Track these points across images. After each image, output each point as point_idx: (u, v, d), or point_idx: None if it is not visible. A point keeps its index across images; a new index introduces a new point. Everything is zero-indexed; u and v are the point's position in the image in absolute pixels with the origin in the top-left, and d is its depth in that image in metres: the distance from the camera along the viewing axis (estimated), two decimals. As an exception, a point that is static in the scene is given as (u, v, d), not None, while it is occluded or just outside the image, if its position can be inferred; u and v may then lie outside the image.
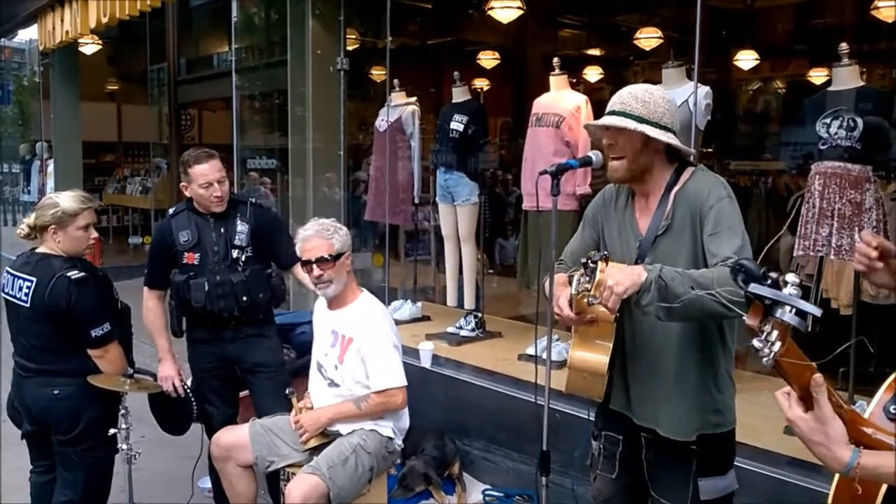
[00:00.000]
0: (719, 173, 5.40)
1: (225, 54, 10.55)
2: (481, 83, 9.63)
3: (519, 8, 6.37)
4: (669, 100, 2.17)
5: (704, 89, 3.79)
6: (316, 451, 2.88)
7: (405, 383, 2.89)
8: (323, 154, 5.99)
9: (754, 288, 1.23)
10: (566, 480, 3.47)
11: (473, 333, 5.04)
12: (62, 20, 9.03)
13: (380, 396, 2.83)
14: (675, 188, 2.12)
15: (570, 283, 2.09)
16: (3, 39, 13.52)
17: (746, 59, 8.40)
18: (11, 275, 2.85)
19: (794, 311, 1.20)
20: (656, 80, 4.06)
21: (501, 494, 3.85)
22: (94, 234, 2.94)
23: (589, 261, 2.04)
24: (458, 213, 5.06)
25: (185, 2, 10.95)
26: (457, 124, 4.94)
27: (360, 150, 7.74)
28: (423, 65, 9.71)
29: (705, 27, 3.73)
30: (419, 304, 5.77)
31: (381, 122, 5.54)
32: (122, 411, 2.84)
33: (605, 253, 2.07)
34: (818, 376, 1.24)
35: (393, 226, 5.99)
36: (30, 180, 12.04)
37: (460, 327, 5.08)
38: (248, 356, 3.34)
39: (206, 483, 3.71)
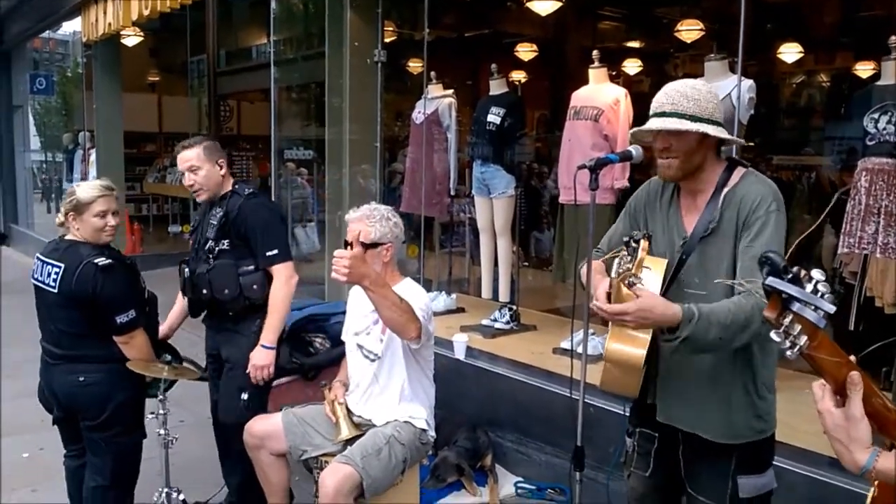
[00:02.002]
0: (761, 168, 5.31)
1: (264, 46, 10.63)
2: (519, 75, 9.58)
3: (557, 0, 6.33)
4: (714, 92, 2.12)
5: (748, 83, 3.73)
6: (349, 442, 2.88)
7: (426, 327, 2.75)
8: (359, 145, 6.01)
9: (771, 281, 1.21)
10: (600, 476, 3.44)
11: (508, 326, 5.03)
12: (105, 12, 9.18)
13: (415, 316, 2.69)
14: (726, 189, 2.08)
15: (609, 268, 2.07)
16: (47, 31, 13.79)
17: (790, 52, 8.23)
18: (41, 261, 2.91)
19: (814, 309, 1.17)
20: (698, 73, 4.01)
21: (534, 487, 3.83)
22: (112, 222, 2.95)
23: (631, 239, 2.01)
24: (493, 205, 5.05)
25: (224, -6, 11.07)
26: (493, 117, 4.92)
27: (397, 142, 7.75)
28: (461, 57, 9.68)
29: (749, 19, 3.65)
30: (454, 295, 5.78)
31: (418, 115, 5.54)
32: (161, 397, 2.88)
33: (648, 232, 2.04)
34: (855, 374, 1.21)
35: (429, 218, 5.98)
36: (73, 169, 12.26)
37: (495, 320, 5.07)
38: (222, 349, 3.28)
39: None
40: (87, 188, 2.94)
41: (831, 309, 1.17)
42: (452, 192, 5.55)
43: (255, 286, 3.16)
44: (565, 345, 4.28)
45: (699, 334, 1.87)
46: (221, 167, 3.22)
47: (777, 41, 8.21)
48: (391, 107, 7.47)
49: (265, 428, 3.01)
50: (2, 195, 14.43)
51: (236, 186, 3.25)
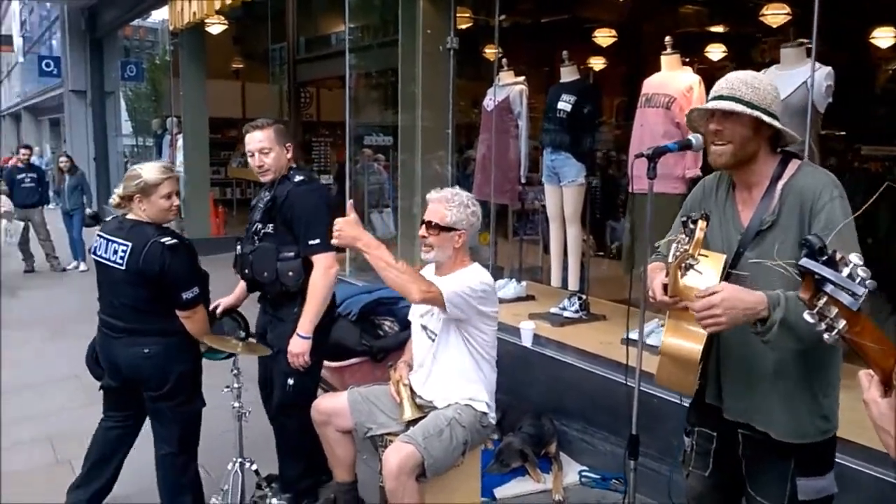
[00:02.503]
0: (848, 158, 5.09)
1: (341, 34, 10.81)
2: (597, 62, 9.44)
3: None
4: (775, 86, 2.10)
5: (825, 70, 3.61)
6: (412, 423, 2.96)
7: (446, 299, 2.78)
8: (432, 132, 6.09)
9: (805, 262, 1.24)
10: (663, 467, 3.43)
11: (577, 315, 5.02)
12: (190, 1, 9.50)
13: (421, 278, 2.79)
14: (781, 182, 2.04)
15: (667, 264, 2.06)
16: (137, 20, 14.33)
17: (884, 37, 7.85)
18: (105, 238, 3.03)
19: (850, 294, 1.19)
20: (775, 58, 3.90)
21: (598, 476, 3.84)
22: (177, 202, 3.09)
23: (689, 220, 2.00)
24: (563, 193, 5.03)
25: (305, -18, 11.30)
26: (564, 104, 4.90)
27: (474, 129, 7.78)
28: (538, 43, 9.61)
29: (830, 3, 3.53)
30: (524, 283, 5.80)
31: (489, 102, 5.56)
32: (235, 371, 3.01)
33: (706, 212, 2.03)
34: None
35: (504, 205, 6.00)
36: (161, 154, 12.76)
37: (564, 308, 5.07)
38: (267, 331, 3.34)
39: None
40: (153, 170, 3.05)
41: (861, 291, 1.17)
42: (523, 180, 5.55)
43: (290, 273, 3.19)
44: (634, 335, 4.25)
45: (792, 317, 1.81)
46: (289, 151, 3.28)
47: (871, 26, 7.86)
48: (468, 93, 7.50)
49: (332, 405, 3.11)
50: (96, 178, 15.09)
51: (290, 172, 3.28)
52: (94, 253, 3.08)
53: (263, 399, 3.51)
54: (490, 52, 7.12)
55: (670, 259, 2.02)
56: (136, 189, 3.00)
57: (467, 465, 3.07)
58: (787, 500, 2.05)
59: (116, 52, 15.44)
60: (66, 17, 15.52)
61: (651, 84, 4.42)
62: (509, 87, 5.46)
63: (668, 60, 4.38)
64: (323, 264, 3.16)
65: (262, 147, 3.21)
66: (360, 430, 3.08)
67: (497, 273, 6.19)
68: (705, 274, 1.98)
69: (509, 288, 5.62)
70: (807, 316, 1.21)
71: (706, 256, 2.01)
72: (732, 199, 2.15)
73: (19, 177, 9.83)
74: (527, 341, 4.48)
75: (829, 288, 1.18)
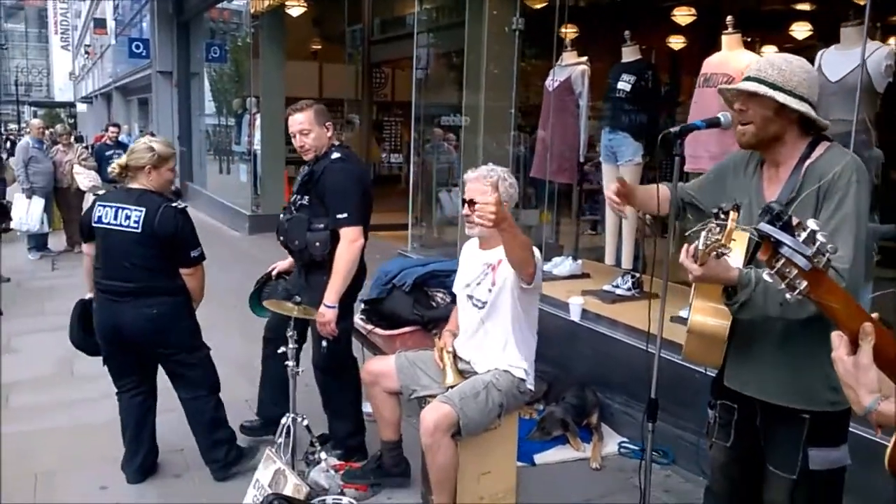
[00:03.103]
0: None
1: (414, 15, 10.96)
2: (677, 40, 9.29)
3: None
4: (809, 70, 2.12)
5: (886, 49, 3.57)
6: (454, 388, 3.11)
7: (539, 270, 2.96)
8: (496, 112, 6.19)
9: (762, 226, 1.32)
10: (701, 440, 3.49)
11: (630, 293, 5.08)
12: (271, -15, 9.83)
13: (531, 247, 2.91)
14: (808, 161, 2.09)
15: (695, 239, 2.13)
16: (223, 2, 14.83)
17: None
18: (113, 207, 3.30)
19: (803, 257, 1.26)
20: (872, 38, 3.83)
21: (637, 448, 3.92)
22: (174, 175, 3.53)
23: (720, 210, 2.07)
24: (620, 172, 5.07)
25: (380, -35, 11.50)
26: (623, 84, 4.95)
27: (537, 109, 7.83)
28: (611, 21, 9.53)
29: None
30: (580, 261, 5.88)
31: (551, 82, 5.63)
32: (291, 332, 3.23)
33: (737, 202, 2.09)
34: (868, 325, 1.30)
35: (568, 185, 6.07)
36: (241, 132, 13.24)
37: (616, 286, 5.13)
38: (300, 295, 3.40)
39: (365, 408, 4.10)
40: (163, 146, 3.42)
41: (811, 253, 1.25)
42: (582, 159, 5.61)
43: (317, 243, 3.41)
44: (683, 313, 4.29)
45: (757, 301, 1.93)
46: (328, 129, 3.50)
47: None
48: (538, 73, 7.55)
49: (380, 367, 3.31)
50: (179, 155, 15.74)
51: (331, 149, 3.49)
52: (100, 221, 3.33)
53: (270, 352, 3.77)
54: (566, 30, 7.16)
55: (701, 246, 2.07)
56: (149, 161, 3.34)
57: (504, 429, 3.21)
58: (798, 469, 2.12)
59: (202, 34, 16.00)
60: (156, 1, 16.17)
61: (711, 63, 4.42)
62: (571, 68, 5.52)
63: (729, 40, 4.37)
64: (348, 237, 3.37)
65: (303, 128, 3.45)
66: (406, 391, 3.26)
67: (556, 251, 6.28)
68: (734, 246, 2.05)
69: (564, 265, 5.71)
70: (765, 276, 1.30)
71: (737, 235, 2.09)
72: (759, 174, 2.21)
73: (108, 153, 10.37)
74: (575, 316, 4.58)
75: (784, 250, 1.27)
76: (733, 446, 2.32)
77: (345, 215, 3.37)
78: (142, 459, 3.58)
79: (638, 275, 5.16)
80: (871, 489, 2.95)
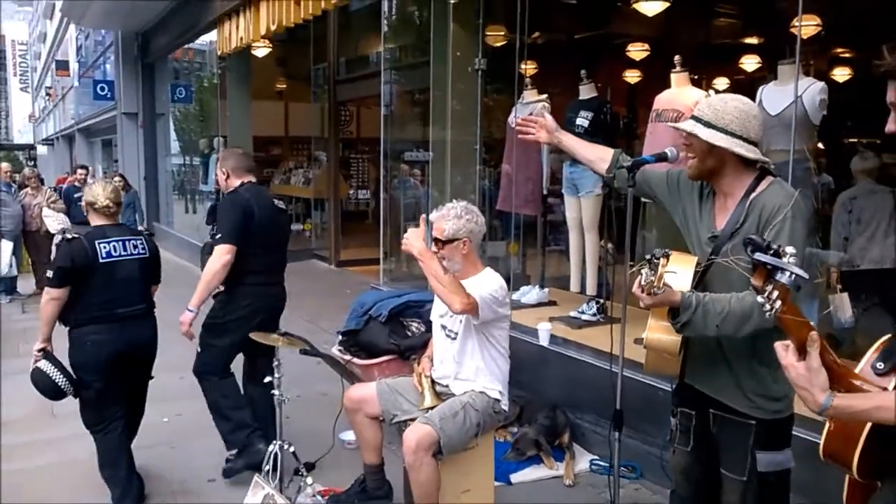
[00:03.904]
0: (873, 166, 5.20)
1: (380, 55, 11.24)
2: (633, 75, 9.66)
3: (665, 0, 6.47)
4: (745, 110, 2.31)
5: (820, 85, 3.89)
6: (432, 410, 3.29)
7: (479, 306, 3.11)
8: (461, 147, 6.45)
9: (758, 256, 1.56)
10: (666, 454, 3.71)
11: (595, 318, 5.30)
12: (237, 27, 10.05)
13: (462, 290, 3.10)
14: (752, 195, 2.31)
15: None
16: (188, 44, 15.00)
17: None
18: (120, 241, 3.67)
19: (790, 276, 1.52)
20: (820, 68, 4.14)
21: (607, 465, 4.12)
22: None
23: (653, 257, 2.30)
24: (581, 203, 5.35)
25: (344, 6, 11.76)
26: (582, 120, 5.22)
27: (501, 143, 8.11)
28: (572, 58, 9.89)
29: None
30: (546, 290, 6.11)
31: (512, 119, 5.89)
32: (276, 363, 3.39)
33: (667, 251, 2.31)
34: (814, 334, 1.54)
35: (534, 217, 6.32)
36: (208, 172, 13.34)
37: (582, 312, 5.36)
38: None
39: (346, 436, 4.26)
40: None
41: (806, 275, 1.53)
42: (545, 192, 5.87)
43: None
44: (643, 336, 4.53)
45: (697, 322, 2.16)
46: (225, 173, 4.10)
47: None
48: (500, 109, 7.84)
49: (362, 394, 3.48)
50: (146, 197, 15.77)
51: (239, 187, 4.06)
52: (109, 256, 3.60)
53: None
54: (525, 67, 7.47)
55: (643, 283, 2.26)
56: (121, 198, 3.93)
57: (481, 448, 3.40)
58: (747, 471, 2.34)
59: (167, 75, 16.14)
60: (120, 43, 16.29)
61: (661, 100, 4.72)
62: (532, 105, 5.78)
63: (677, 78, 4.68)
64: (218, 252, 3.86)
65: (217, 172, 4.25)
66: (387, 416, 3.43)
67: (524, 280, 6.51)
68: (679, 274, 2.29)
69: (532, 294, 5.94)
70: (759, 298, 1.54)
71: (674, 273, 2.32)
72: (712, 202, 2.45)
73: (76, 195, 10.42)
74: (544, 341, 4.80)
75: (777, 275, 1.51)
76: (693, 450, 2.53)
77: (220, 234, 3.91)
78: (138, 492, 3.72)
79: (602, 301, 5.39)
80: (817, 488, 3.21)
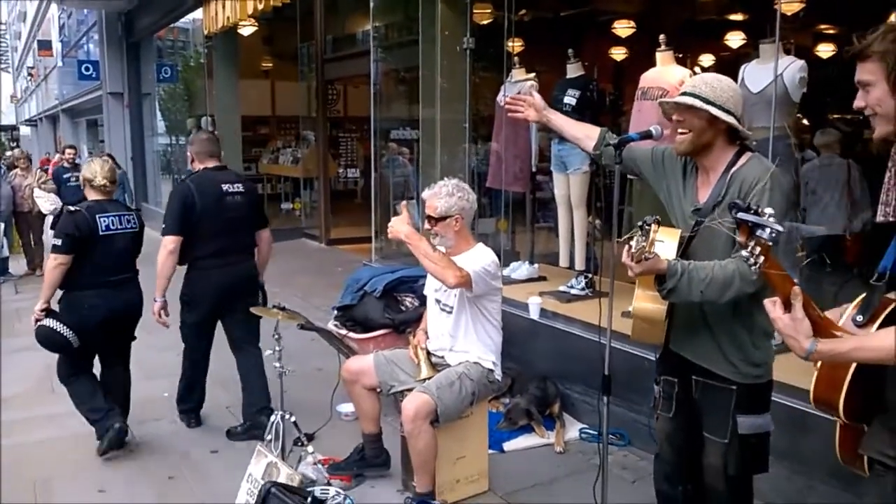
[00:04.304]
0: (833, 140, 5.42)
1: (367, 33, 11.26)
2: (619, 52, 9.74)
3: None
4: (735, 89, 2.47)
5: (799, 63, 4.01)
6: (429, 380, 3.42)
7: (473, 281, 3.25)
8: (450, 125, 6.54)
9: (741, 215, 1.71)
10: (653, 421, 3.86)
11: (583, 292, 5.45)
12: (223, 7, 10.05)
13: (454, 265, 3.24)
14: (733, 169, 2.44)
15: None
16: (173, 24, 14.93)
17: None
18: (115, 216, 4.07)
19: (770, 232, 1.68)
20: (802, 45, 4.25)
21: (596, 433, 4.28)
22: None
23: (644, 223, 2.43)
24: (570, 181, 5.46)
25: (331, -17, 11.77)
26: (569, 98, 5.33)
27: (490, 121, 8.19)
28: (558, 36, 9.94)
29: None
30: (536, 265, 6.24)
31: (501, 98, 5.99)
32: (276, 336, 3.51)
33: (657, 217, 2.45)
34: (796, 288, 1.70)
35: (523, 193, 6.43)
36: (196, 151, 13.30)
37: (571, 286, 5.50)
38: None
39: (343, 408, 4.39)
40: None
41: (781, 229, 1.68)
42: (534, 169, 5.98)
43: None
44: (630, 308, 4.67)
45: (682, 288, 2.29)
46: (191, 157, 4.47)
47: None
48: (488, 87, 7.92)
49: (359, 366, 3.60)
50: (133, 176, 15.75)
51: (196, 171, 4.39)
52: (108, 229, 4.01)
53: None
54: (512, 45, 7.53)
55: (633, 250, 2.39)
56: (116, 176, 4.32)
57: (476, 417, 3.55)
58: (729, 433, 2.48)
59: (152, 54, 16.05)
60: (104, 22, 16.17)
61: (647, 78, 4.83)
62: (520, 84, 5.87)
63: (662, 57, 4.79)
64: (163, 243, 4.16)
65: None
66: (384, 387, 3.56)
67: (514, 257, 6.64)
68: (666, 243, 2.42)
69: (522, 269, 6.07)
70: (742, 253, 1.69)
71: (662, 242, 2.45)
72: (694, 177, 2.58)
73: (66, 176, 10.45)
74: (534, 314, 4.93)
75: (758, 232, 1.67)
76: (675, 416, 2.67)
77: (164, 225, 4.21)
78: (120, 411, 4.19)
79: (590, 275, 5.53)
80: (798, 453, 3.38)
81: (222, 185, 4.29)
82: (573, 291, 5.44)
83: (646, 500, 2.94)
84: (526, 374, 4.65)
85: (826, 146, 5.54)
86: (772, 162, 3.83)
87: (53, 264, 3.92)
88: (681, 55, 6.89)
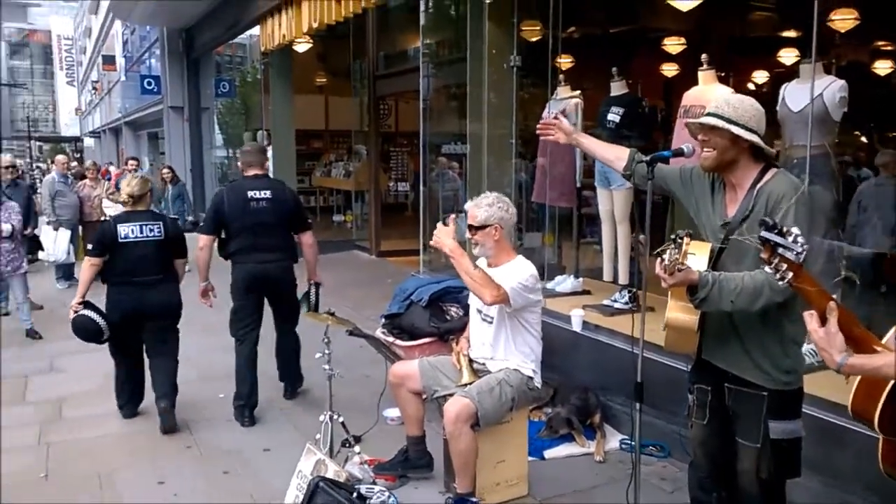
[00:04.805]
0: (889, 160, 5.46)
1: (418, 49, 11.51)
2: (670, 68, 9.77)
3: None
4: (758, 109, 2.57)
5: (840, 83, 4.06)
6: (470, 385, 3.57)
7: (510, 297, 3.41)
8: (497, 141, 6.68)
9: (764, 234, 1.84)
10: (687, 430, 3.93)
11: (627, 306, 5.52)
12: (280, 25, 10.40)
13: (492, 283, 3.42)
14: (759, 185, 2.55)
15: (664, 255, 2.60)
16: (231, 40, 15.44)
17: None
18: (138, 225, 4.64)
19: (794, 252, 1.80)
20: (858, 61, 4.31)
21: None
22: None
23: (677, 237, 2.55)
24: (613, 196, 5.56)
25: (383, 4, 12.04)
26: (613, 116, 5.44)
27: (536, 137, 8.30)
28: (606, 53, 10.02)
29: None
30: (580, 279, 6.34)
31: (546, 115, 6.11)
32: (326, 340, 3.70)
33: (689, 231, 2.56)
34: (832, 304, 1.81)
35: (570, 209, 6.55)
36: (251, 165, 13.69)
37: (615, 300, 5.58)
38: None
39: (389, 413, 4.55)
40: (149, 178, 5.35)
41: (801, 249, 1.79)
42: (579, 185, 6.09)
43: None
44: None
45: (713, 298, 2.41)
46: (241, 167, 5.03)
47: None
48: (535, 103, 8.05)
49: (405, 370, 3.77)
50: (192, 188, 16.27)
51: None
52: (126, 237, 4.59)
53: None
54: (561, 61, 7.65)
55: (666, 262, 2.50)
56: (149, 189, 4.85)
57: (515, 423, 3.67)
58: (761, 438, 2.57)
59: (211, 69, 16.60)
60: (166, 38, 16.80)
61: (689, 97, 4.91)
62: (566, 101, 6.00)
63: (704, 75, 4.86)
64: (197, 241, 4.84)
65: None
66: (428, 391, 3.71)
67: (559, 270, 6.75)
68: (697, 256, 2.54)
69: (567, 283, 6.17)
70: (766, 269, 1.80)
71: (694, 254, 2.57)
72: (723, 193, 2.69)
73: (128, 186, 10.86)
74: (577, 327, 5.04)
75: (780, 250, 1.78)
76: (708, 423, 2.77)
77: (201, 225, 4.98)
78: (138, 399, 4.93)
79: (634, 290, 5.60)
80: (834, 467, 3.43)
81: (248, 192, 4.85)
82: (616, 305, 5.52)
83: (685, 509, 3.02)
84: (568, 384, 4.75)
85: (884, 166, 5.55)
86: (812, 179, 3.93)
87: (87, 265, 4.67)
88: (730, 73, 6.93)
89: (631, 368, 4.66)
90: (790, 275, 1.79)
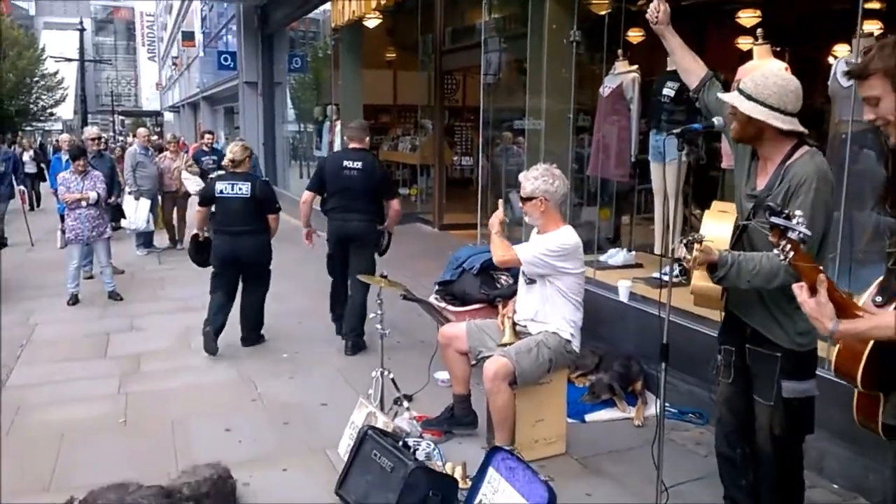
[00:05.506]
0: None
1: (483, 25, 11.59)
2: (745, 41, 9.58)
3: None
4: (783, 86, 2.60)
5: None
6: (510, 345, 3.77)
7: (525, 262, 3.73)
8: (555, 116, 6.78)
9: (773, 218, 1.96)
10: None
11: (676, 279, 5.58)
12: (350, 1, 10.63)
13: (502, 245, 3.78)
14: (788, 162, 2.63)
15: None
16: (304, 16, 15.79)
17: None
18: (230, 183, 5.59)
19: (798, 234, 1.92)
20: None
21: (676, 411, 4.49)
22: None
23: (689, 242, 2.65)
24: (666, 170, 5.63)
25: (451, -22, 12.17)
26: (668, 90, 5.50)
27: (595, 112, 8.35)
28: (680, 26, 9.83)
29: None
30: (633, 252, 6.43)
31: (604, 89, 6.21)
32: (379, 301, 3.95)
33: (702, 236, 2.63)
34: (822, 276, 1.93)
35: (625, 184, 6.64)
36: (321, 138, 14.10)
37: (665, 273, 5.66)
38: None
39: (439, 375, 4.79)
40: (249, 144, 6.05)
41: (808, 232, 1.92)
42: (633, 159, 6.16)
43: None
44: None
45: (731, 277, 2.57)
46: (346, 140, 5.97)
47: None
48: (593, 78, 8.10)
49: (453, 331, 4.00)
50: (264, 161, 16.79)
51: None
52: (221, 193, 5.57)
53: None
54: (634, 34, 7.68)
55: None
56: (248, 154, 5.78)
57: (554, 384, 3.87)
58: (774, 397, 2.71)
59: (284, 45, 17.00)
60: (242, 15, 17.28)
61: (744, 71, 4.93)
62: (623, 75, 6.08)
63: (759, 50, 4.89)
64: (302, 196, 5.94)
65: None
66: (474, 352, 3.93)
67: (612, 243, 6.85)
68: (719, 227, 2.71)
69: (619, 256, 6.28)
70: (775, 251, 1.94)
71: (726, 212, 2.71)
72: (756, 165, 2.79)
73: (204, 158, 11.37)
74: (623, 297, 5.17)
75: (789, 233, 1.91)
76: (734, 382, 2.92)
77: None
78: (220, 323, 5.65)
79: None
80: (861, 438, 3.50)
81: (344, 161, 5.70)
82: (666, 278, 5.60)
83: (715, 471, 3.16)
84: (612, 353, 4.90)
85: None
86: (862, 154, 3.95)
87: (195, 212, 5.95)
88: (808, 46, 6.80)
89: (676, 339, 4.80)
90: (792, 254, 1.92)
